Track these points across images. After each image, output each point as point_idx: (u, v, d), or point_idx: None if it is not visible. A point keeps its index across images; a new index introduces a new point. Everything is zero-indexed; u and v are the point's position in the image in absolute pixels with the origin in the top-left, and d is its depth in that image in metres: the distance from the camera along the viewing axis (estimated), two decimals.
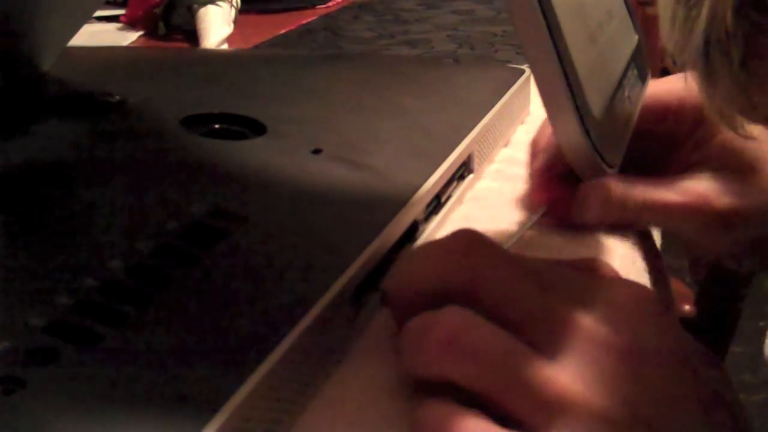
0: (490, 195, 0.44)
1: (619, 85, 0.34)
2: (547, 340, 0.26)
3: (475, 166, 0.43)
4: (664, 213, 0.40)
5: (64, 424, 0.22)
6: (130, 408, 0.23)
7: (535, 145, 0.42)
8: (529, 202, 0.42)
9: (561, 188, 0.39)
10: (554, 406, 0.25)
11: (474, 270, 0.27)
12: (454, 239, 0.28)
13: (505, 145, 0.49)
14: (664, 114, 0.41)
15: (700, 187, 0.40)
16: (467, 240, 0.28)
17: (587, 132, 0.28)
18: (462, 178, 0.42)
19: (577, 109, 0.27)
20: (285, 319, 0.27)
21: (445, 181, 0.39)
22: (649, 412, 0.25)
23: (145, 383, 0.24)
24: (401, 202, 0.35)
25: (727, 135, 0.39)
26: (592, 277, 0.30)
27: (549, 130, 0.40)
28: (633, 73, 0.38)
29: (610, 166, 0.29)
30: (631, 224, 0.41)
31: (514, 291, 0.27)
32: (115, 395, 0.23)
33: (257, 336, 0.26)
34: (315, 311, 0.27)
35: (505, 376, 0.25)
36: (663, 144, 0.42)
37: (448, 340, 0.25)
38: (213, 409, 0.23)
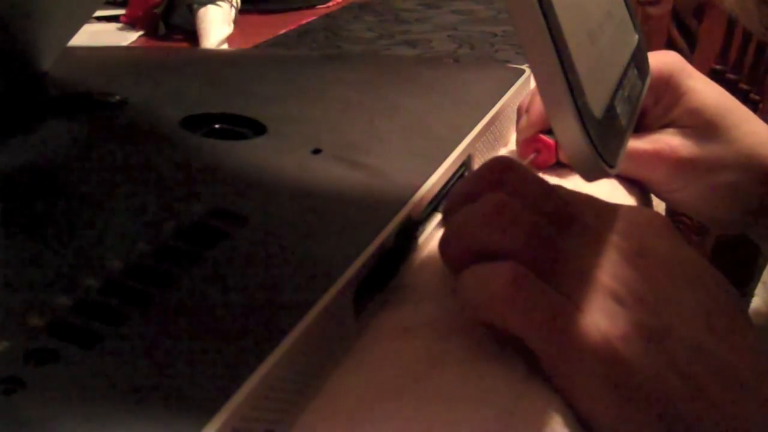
0: None
1: (619, 85, 0.34)
2: (569, 245, 0.31)
3: (475, 166, 0.43)
4: (637, 160, 0.47)
5: (64, 424, 0.22)
6: (129, 408, 0.23)
7: (520, 109, 0.48)
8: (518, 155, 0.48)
9: (543, 141, 0.46)
10: (574, 275, 0.30)
11: (509, 236, 0.31)
12: (485, 205, 0.31)
13: (505, 145, 0.49)
14: None
15: (666, 138, 0.47)
16: (497, 205, 0.31)
17: (587, 132, 0.27)
18: (462, 177, 0.42)
19: (577, 109, 0.27)
20: (285, 319, 0.27)
21: (445, 181, 0.39)
22: (651, 300, 0.29)
23: (144, 383, 0.24)
24: (401, 202, 0.35)
25: (689, 99, 0.47)
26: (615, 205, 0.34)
27: (535, 95, 0.47)
28: (633, 73, 0.38)
29: (611, 166, 0.29)
30: None
31: (546, 245, 0.31)
32: (115, 395, 0.23)
33: (257, 336, 0.26)
34: (315, 311, 0.27)
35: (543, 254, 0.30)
36: None
37: (508, 291, 0.29)
38: (213, 409, 0.23)
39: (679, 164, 0.47)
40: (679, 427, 0.28)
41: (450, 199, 0.36)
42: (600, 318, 0.29)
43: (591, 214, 0.33)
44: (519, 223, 0.31)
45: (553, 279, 0.30)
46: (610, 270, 0.30)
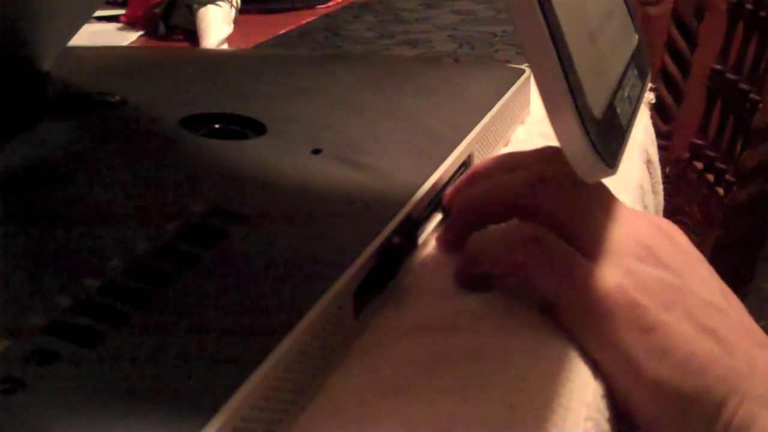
0: None
1: (619, 85, 0.34)
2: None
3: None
4: None
5: (64, 424, 0.22)
6: (129, 408, 0.23)
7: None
8: None
9: None
10: (604, 244, 0.33)
11: (551, 200, 0.33)
12: (532, 172, 0.34)
13: (505, 145, 0.49)
14: None
15: None
16: (543, 175, 0.34)
17: (587, 132, 0.27)
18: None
19: (577, 109, 0.27)
20: (285, 319, 0.27)
21: (445, 180, 0.39)
22: (671, 264, 0.32)
23: (144, 383, 0.24)
24: (401, 201, 0.35)
25: None
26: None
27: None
28: (633, 73, 0.38)
29: (610, 167, 0.29)
30: None
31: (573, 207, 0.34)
32: (115, 395, 0.23)
33: (257, 336, 0.26)
34: (315, 311, 0.27)
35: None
36: None
37: (529, 245, 0.32)
38: (213, 409, 0.23)
39: None
40: (694, 367, 0.30)
41: (466, 197, 0.38)
42: (618, 273, 0.31)
43: (624, 206, 0.36)
44: (561, 191, 0.33)
45: (578, 243, 0.32)
46: (635, 239, 0.33)
